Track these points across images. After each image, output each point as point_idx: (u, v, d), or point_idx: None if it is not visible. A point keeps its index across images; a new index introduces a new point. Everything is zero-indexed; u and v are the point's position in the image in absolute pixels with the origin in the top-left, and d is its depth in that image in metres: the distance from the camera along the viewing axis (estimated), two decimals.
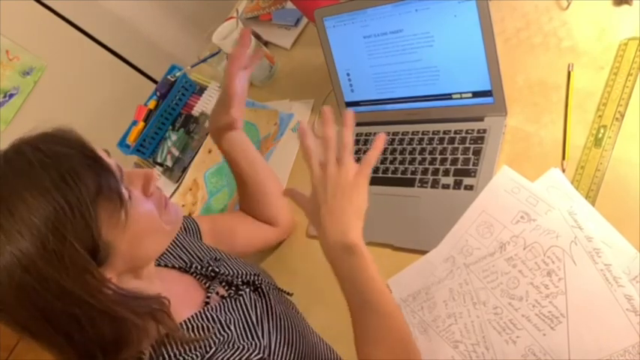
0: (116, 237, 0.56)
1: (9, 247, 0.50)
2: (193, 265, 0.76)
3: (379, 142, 0.67)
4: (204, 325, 0.65)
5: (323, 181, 0.66)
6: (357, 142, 1.00)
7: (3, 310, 0.53)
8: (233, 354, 0.61)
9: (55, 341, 0.54)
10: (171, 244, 0.79)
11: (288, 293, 0.84)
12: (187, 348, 0.60)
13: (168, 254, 0.78)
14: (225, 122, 0.89)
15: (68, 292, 0.52)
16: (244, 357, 0.61)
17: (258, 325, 0.69)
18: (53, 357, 0.56)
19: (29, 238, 0.50)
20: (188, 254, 0.79)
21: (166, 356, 0.59)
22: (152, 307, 0.59)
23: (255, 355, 0.63)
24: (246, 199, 0.96)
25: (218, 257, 0.80)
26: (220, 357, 0.60)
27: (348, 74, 0.99)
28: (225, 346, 0.63)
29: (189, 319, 0.64)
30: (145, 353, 0.59)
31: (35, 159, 0.53)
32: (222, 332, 0.65)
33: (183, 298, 0.70)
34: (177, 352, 0.60)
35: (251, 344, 0.65)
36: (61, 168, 0.53)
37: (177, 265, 0.76)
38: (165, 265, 0.76)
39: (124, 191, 0.57)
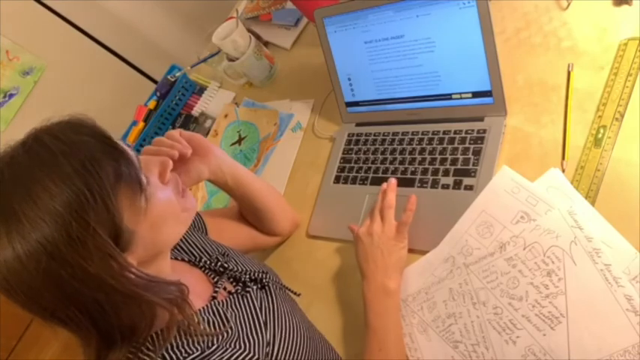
0: (137, 223, 0.57)
1: (34, 235, 0.50)
2: (202, 260, 0.77)
3: (412, 205, 0.81)
4: (211, 320, 0.65)
5: (369, 234, 0.80)
6: (357, 142, 1.00)
7: (31, 296, 0.53)
8: (233, 354, 0.62)
9: (81, 325, 0.55)
10: (181, 238, 0.79)
11: (294, 293, 0.85)
12: (190, 340, 0.61)
13: (179, 248, 0.79)
14: (192, 169, 0.81)
15: (93, 277, 0.52)
16: (240, 358, 0.62)
17: (263, 323, 0.69)
18: (77, 342, 0.57)
19: (53, 226, 0.50)
20: (197, 249, 0.80)
21: (168, 345, 0.59)
22: (174, 294, 0.59)
23: (255, 358, 0.63)
24: (249, 217, 0.95)
25: (226, 253, 0.81)
26: (220, 354, 0.61)
27: (349, 78, 0.99)
28: (227, 345, 0.63)
29: (197, 312, 0.65)
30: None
31: (55, 147, 0.53)
32: (226, 329, 0.65)
33: (193, 290, 0.70)
34: (179, 343, 0.60)
35: (254, 343, 0.66)
36: (80, 156, 0.53)
37: (187, 259, 0.77)
38: (176, 258, 0.77)
39: (143, 178, 0.58)
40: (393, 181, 0.84)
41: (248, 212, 0.93)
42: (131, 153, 0.59)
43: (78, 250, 0.51)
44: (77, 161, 0.53)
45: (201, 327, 0.63)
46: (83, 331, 0.55)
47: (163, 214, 0.61)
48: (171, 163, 0.66)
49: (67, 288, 0.52)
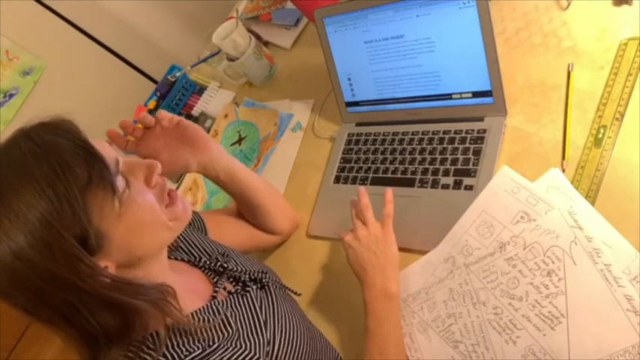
0: (109, 226, 0.56)
1: None
2: (202, 260, 0.77)
3: (389, 196, 0.79)
4: (211, 319, 0.65)
5: (356, 239, 0.78)
6: (357, 142, 1.00)
7: (3, 294, 0.54)
8: (234, 353, 0.62)
9: (57, 325, 0.55)
10: (180, 238, 0.80)
11: (295, 292, 0.85)
12: (191, 339, 0.61)
13: (179, 248, 0.79)
14: (183, 160, 0.83)
15: (60, 278, 0.53)
16: (241, 358, 0.62)
17: (263, 323, 0.70)
18: (60, 340, 0.57)
19: (18, 226, 0.51)
20: (196, 249, 0.80)
21: (169, 343, 0.59)
22: (154, 296, 0.59)
23: (256, 357, 0.63)
24: (246, 214, 0.95)
25: (226, 253, 0.81)
26: (220, 353, 0.61)
27: (349, 78, 0.99)
28: (228, 344, 0.63)
29: (196, 312, 0.65)
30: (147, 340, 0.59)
31: (27, 149, 0.54)
32: (227, 328, 0.65)
33: (193, 290, 0.71)
34: (180, 342, 0.60)
35: (254, 342, 0.66)
36: (50, 158, 0.53)
37: (186, 259, 0.77)
38: (175, 258, 0.77)
39: (119, 180, 0.57)
40: (362, 189, 0.81)
41: (245, 209, 0.93)
42: (109, 156, 0.58)
43: (41, 251, 0.51)
44: (46, 163, 0.53)
45: (201, 325, 0.63)
46: (60, 330, 0.56)
47: (142, 218, 0.60)
48: (159, 166, 0.64)
49: (35, 288, 0.53)
